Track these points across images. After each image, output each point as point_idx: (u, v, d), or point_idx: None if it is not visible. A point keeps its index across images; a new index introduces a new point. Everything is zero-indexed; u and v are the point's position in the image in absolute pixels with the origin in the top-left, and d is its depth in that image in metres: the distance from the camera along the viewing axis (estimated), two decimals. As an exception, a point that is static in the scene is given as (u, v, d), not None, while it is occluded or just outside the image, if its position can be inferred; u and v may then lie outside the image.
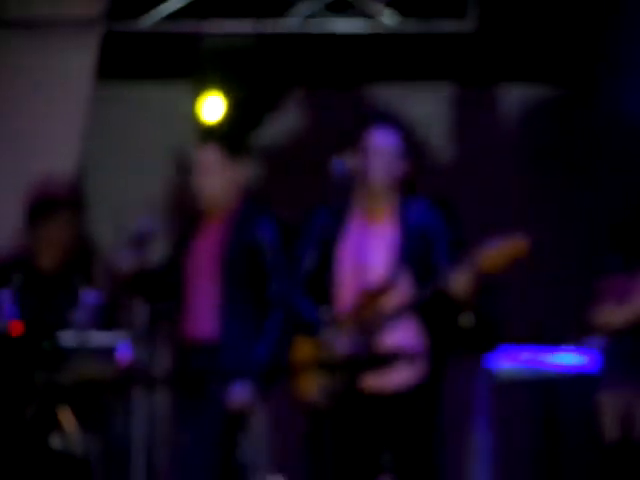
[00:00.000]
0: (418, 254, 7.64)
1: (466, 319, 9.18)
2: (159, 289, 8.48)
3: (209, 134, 8.51)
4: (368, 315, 7.56)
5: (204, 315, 8.05)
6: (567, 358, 9.17)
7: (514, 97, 11.52)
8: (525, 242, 7.28)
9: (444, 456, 7.91)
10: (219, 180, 8.10)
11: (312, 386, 7.63)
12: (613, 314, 9.17)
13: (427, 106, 11.08)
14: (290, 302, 8.02)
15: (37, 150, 10.30)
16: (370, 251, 7.69)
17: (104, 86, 10.62)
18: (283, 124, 10.98)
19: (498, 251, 7.32)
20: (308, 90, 11.12)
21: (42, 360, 8.18)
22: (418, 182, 8.28)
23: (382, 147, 7.71)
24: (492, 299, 8.89)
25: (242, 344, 8.19)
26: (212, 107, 10.81)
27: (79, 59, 10.43)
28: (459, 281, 7.36)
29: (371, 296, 7.60)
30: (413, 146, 7.87)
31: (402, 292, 7.54)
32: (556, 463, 9.16)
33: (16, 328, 8.37)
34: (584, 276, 9.54)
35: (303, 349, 7.80)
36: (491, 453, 9.32)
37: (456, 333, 8.23)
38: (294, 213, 8.09)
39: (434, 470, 7.72)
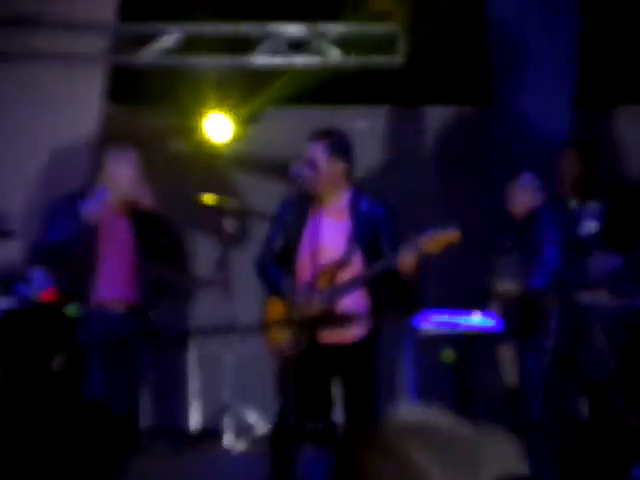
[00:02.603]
0: (367, 239, 8.26)
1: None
2: None
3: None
4: (325, 285, 8.17)
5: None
6: (475, 320, 9.46)
7: (434, 115, 11.96)
8: (458, 232, 7.95)
9: (380, 390, 8.54)
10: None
11: (282, 337, 8.23)
12: (510, 283, 9.58)
13: (366, 123, 11.44)
14: (265, 272, 8.51)
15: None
16: (326, 236, 8.17)
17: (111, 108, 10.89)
18: (258, 137, 11.20)
19: (437, 237, 7.97)
20: (275, 110, 11.27)
21: (66, 322, 8.74)
22: (360, 182, 8.85)
23: (314, 155, 8.25)
24: (419, 277, 8.75)
25: None
26: (217, 125, 10.89)
27: (88, 87, 10.68)
28: (406, 260, 8.01)
29: (327, 270, 8.20)
30: (349, 150, 8.31)
31: (354, 268, 8.21)
32: (467, 399, 9.37)
33: (48, 296, 9.04)
34: (487, 256, 9.89)
35: (275, 308, 8.40)
36: (415, 390, 9.72)
37: (394, 300, 8.62)
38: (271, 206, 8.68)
39: (373, 399, 8.45)
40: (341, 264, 8.28)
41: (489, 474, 2.23)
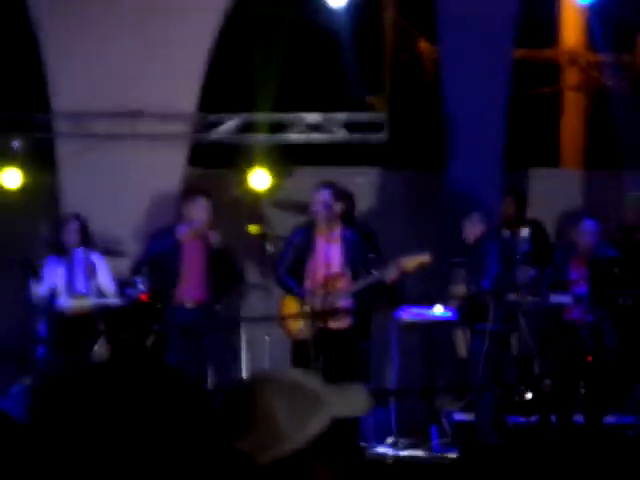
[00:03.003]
0: (352, 260, 8.10)
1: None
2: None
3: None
4: (329, 291, 8.04)
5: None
6: (439, 312, 9.04)
7: (408, 176, 11.31)
8: (430, 257, 7.95)
9: (370, 366, 8.85)
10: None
11: (297, 326, 8.12)
12: (461, 287, 9.17)
13: (362, 179, 10.87)
14: (281, 281, 8.30)
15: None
16: (330, 255, 8.05)
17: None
18: (289, 186, 10.73)
19: (414, 260, 7.93)
20: (301, 169, 10.79)
21: (156, 313, 8.56)
22: (354, 219, 8.97)
23: (321, 199, 8.10)
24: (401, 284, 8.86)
25: None
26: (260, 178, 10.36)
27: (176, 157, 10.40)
28: (390, 275, 7.91)
29: (331, 280, 8.08)
30: (345, 196, 8.33)
31: (347, 279, 8.08)
32: (431, 369, 8.86)
33: (144, 298, 8.92)
34: (446, 266, 9.47)
35: (290, 305, 8.23)
36: (398, 365, 9.15)
37: (381, 300, 8.73)
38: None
39: (366, 374, 8.63)
40: (338, 276, 8.08)
41: (328, 413, 2.03)
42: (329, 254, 8.00)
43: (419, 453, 8.54)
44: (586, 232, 8.48)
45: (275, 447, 2.02)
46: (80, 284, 8.82)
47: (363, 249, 8.17)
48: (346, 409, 2.06)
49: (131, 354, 7.03)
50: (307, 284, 8.05)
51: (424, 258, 7.90)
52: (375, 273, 7.99)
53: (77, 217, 9.09)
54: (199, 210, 8.92)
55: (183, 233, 8.81)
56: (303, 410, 2.03)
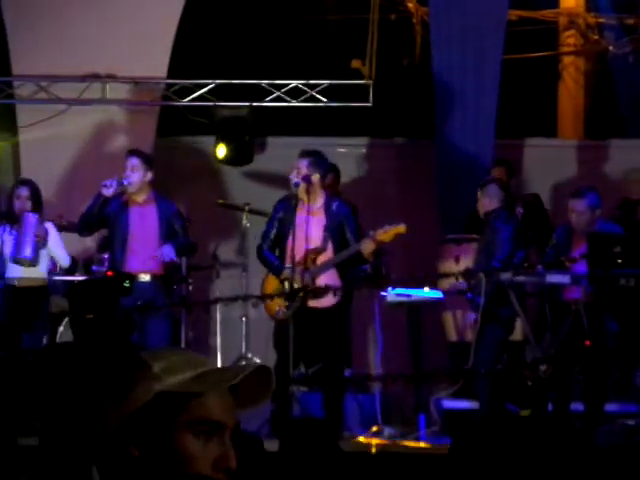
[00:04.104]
0: (337, 232, 7.93)
1: None
2: None
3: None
4: (308, 265, 7.87)
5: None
6: (426, 292, 8.77)
7: (394, 144, 11.00)
8: (404, 226, 7.84)
9: (352, 344, 8.77)
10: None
11: (275, 306, 7.95)
12: (449, 267, 8.93)
13: (345, 149, 10.69)
14: (263, 255, 8.07)
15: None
16: (310, 229, 7.81)
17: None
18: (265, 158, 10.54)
19: (387, 230, 7.82)
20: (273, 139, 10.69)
21: (123, 290, 7.99)
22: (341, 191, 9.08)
23: (300, 167, 7.90)
24: (382, 260, 8.98)
25: None
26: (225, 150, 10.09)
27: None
28: (367, 247, 7.83)
29: (310, 254, 7.88)
30: (328, 167, 8.17)
31: (328, 253, 7.91)
32: (418, 350, 8.72)
33: (110, 274, 8.30)
34: (435, 244, 9.34)
35: (271, 283, 8.07)
36: (383, 344, 8.99)
37: (363, 276, 8.64)
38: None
39: (348, 352, 8.58)
40: (320, 250, 7.92)
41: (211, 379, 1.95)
42: (309, 228, 7.79)
43: (406, 442, 8.30)
44: (575, 210, 8.07)
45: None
46: (27, 250, 8.37)
47: (350, 221, 7.98)
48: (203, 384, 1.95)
49: (96, 335, 6.94)
50: (287, 260, 7.88)
51: (399, 228, 7.81)
52: (349, 248, 7.88)
53: (26, 182, 8.65)
54: (130, 169, 8.27)
55: (112, 187, 8.14)
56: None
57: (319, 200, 7.96)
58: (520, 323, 8.38)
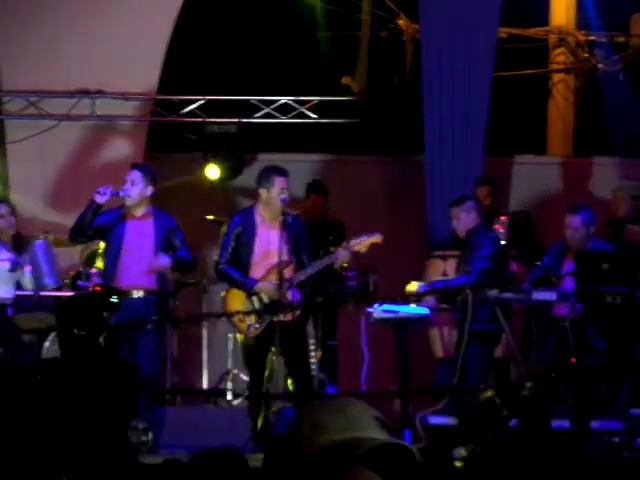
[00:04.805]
0: (295, 247, 7.91)
1: None
2: None
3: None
4: (276, 279, 7.81)
5: None
6: (412, 309, 8.74)
7: (382, 160, 11.14)
8: (381, 236, 7.88)
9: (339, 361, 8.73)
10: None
11: (245, 322, 7.89)
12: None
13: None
14: (224, 272, 7.97)
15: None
16: (271, 243, 7.83)
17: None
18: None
19: (363, 241, 7.87)
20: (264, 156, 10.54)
21: (110, 306, 7.73)
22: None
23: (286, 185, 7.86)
24: (368, 279, 9.09)
25: None
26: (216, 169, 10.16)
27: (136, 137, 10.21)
28: (343, 258, 7.87)
29: (277, 268, 7.83)
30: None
31: (291, 268, 7.87)
32: (404, 367, 8.66)
33: (96, 289, 7.92)
34: (420, 261, 9.39)
35: (235, 299, 7.99)
36: (369, 358, 8.95)
37: (349, 292, 8.87)
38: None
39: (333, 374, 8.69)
40: (286, 263, 7.88)
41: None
42: (274, 242, 7.82)
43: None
44: (570, 226, 8.12)
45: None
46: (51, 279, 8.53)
47: (304, 237, 8.01)
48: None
49: (84, 351, 6.64)
50: (254, 275, 7.84)
51: (375, 238, 7.85)
52: (324, 258, 7.89)
53: (1, 200, 8.71)
54: (130, 182, 8.17)
55: (105, 195, 8.04)
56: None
57: (279, 216, 7.90)
58: (504, 339, 8.40)
